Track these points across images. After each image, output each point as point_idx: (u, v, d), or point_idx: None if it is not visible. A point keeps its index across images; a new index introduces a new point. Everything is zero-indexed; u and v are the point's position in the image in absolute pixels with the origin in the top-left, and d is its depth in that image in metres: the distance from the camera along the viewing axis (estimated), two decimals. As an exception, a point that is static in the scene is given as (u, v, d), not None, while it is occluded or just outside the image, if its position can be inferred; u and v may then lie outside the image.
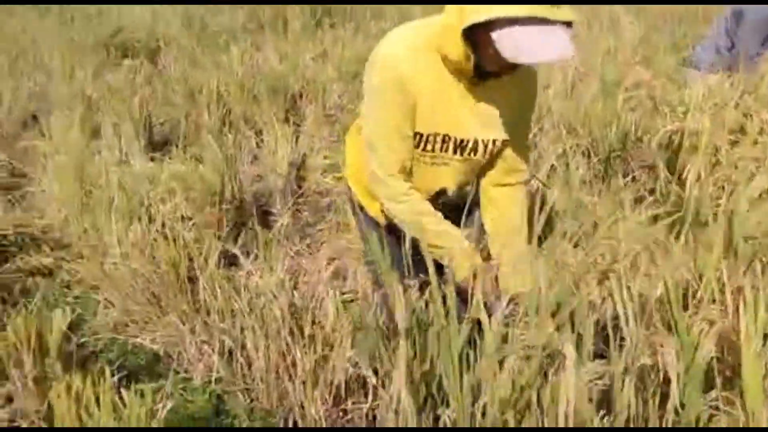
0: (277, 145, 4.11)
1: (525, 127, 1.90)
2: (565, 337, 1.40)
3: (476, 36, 1.49)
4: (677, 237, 1.95)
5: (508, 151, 1.85)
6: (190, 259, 2.71)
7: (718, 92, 2.67)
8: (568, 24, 1.42)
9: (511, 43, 1.40)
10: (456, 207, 1.86)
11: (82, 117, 4.34)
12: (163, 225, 2.79)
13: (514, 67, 1.54)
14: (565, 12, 1.39)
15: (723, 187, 2.14)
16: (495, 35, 1.41)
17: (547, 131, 3.68)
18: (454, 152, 1.76)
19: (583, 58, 5.03)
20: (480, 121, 1.73)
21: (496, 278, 1.82)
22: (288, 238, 3.32)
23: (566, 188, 2.98)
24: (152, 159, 3.95)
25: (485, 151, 1.78)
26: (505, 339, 1.50)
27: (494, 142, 1.77)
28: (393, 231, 1.93)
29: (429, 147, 1.74)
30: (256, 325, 2.33)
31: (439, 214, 1.81)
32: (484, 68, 1.59)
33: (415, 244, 1.67)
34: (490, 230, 1.95)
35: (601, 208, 2.66)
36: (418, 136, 1.73)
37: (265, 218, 3.61)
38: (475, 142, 1.75)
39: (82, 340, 2.61)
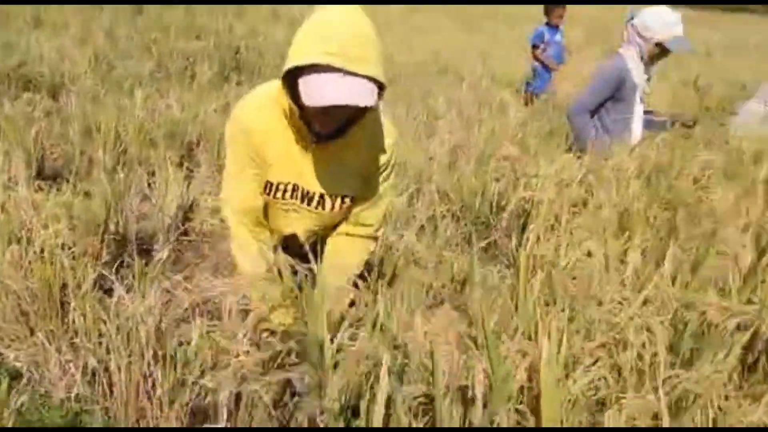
0: (167, 186, 4.21)
1: (374, 187, 1.95)
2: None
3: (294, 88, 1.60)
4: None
5: (357, 207, 1.98)
6: (65, 283, 2.79)
7: (568, 169, 3.00)
8: (378, 82, 1.54)
9: (308, 88, 1.52)
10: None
11: (-27, 143, 4.34)
12: (42, 250, 2.86)
13: (342, 126, 1.74)
14: (368, 68, 1.50)
15: (557, 249, 2.42)
16: (301, 81, 1.54)
17: (424, 195, 3.96)
18: (302, 202, 1.90)
19: (468, 137, 5.42)
20: (325, 178, 1.85)
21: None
22: (164, 273, 3.41)
23: (432, 245, 3.24)
24: (40, 189, 3.97)
25: (332, 206, 1.91)
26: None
27: (343, 198, 1.90)
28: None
29: (279, 195, 1.90)
30: (122, 347, 2.43)
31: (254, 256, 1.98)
32: (313, 127, 1.72)
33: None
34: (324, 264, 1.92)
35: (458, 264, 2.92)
36: (269, 185, 1.89)
37: (146, 254, 3.69)
38: (321, 196, 1.88)
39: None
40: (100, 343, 2.56)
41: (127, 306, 2.63)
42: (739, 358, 1.98)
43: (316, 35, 1.52)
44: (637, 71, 3.68)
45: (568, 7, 7.21)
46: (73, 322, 2.62)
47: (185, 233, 4.05)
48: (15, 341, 2.74)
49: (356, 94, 1.48)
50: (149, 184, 4.42)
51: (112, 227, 3.61)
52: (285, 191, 1.89)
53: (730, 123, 4.19)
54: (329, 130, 1.74)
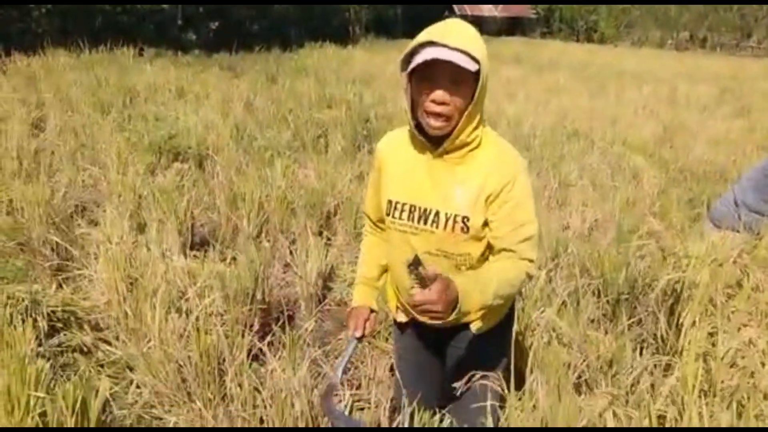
0: (308, 255, 4.38)
1: (510, 214, 1.88)
2: None
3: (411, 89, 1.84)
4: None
5: (498, 235, 1.90)
6: (221, 352, 2.95)
7: (720, 248, 2.91)
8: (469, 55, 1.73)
9: (415, 58, 1.75)
10: None
11: (132, 211, 4.71)
12: (197, 318, 3.04)
13: (445, 121, 1.81)
14: (466, 44, 1.73)
15: (713, 334, 2.34)
16: (413, 61, 1.76)
17: (562, 268, 3.93)
18: (419, 221, 1.92)
19: (603, 206, 5.36)
20: (441, 194, 1.90)
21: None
22: (310, 344, 3.53)
23: (575, 323, 3.20)
24: (194, 257, 4.24)
25: (446, 225, 1.88)
26: None
27: (456, 218, 1.88)
28: (415, 336, 2.23)
29: (397, 214, 1.95)
30: (276, 417, 2.54)
31: (371, 254, 2.23)
32: (427, 130, 1.84)
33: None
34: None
35: (605, 344, 2.87)
36: (389, 204, 1.98)
37: (290, 322, 3.84)
38: (437, 213, 1.89)
39: (119, 412, 2.80)
40: (254, 413, 2.68)
41: (280, 377, 2.76)
42: None
43: (423, 33, 1.77)
44: None
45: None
46: (230, 390, 2.77)
47: (324, 300, 4.18)
48: (174, 406, 2.91)
49: (454, 56, 1.70)
50: (291, 252, 4.61)
51: (258, 296, 3.78)
52: (402, 210, 1.94)
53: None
54: (438, 111, 1.81)
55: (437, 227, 1.89)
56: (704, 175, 6.97)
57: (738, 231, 3.34)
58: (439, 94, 1.77)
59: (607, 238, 4.29)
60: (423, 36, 1.76)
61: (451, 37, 1.73)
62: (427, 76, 1.77)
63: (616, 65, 21.36)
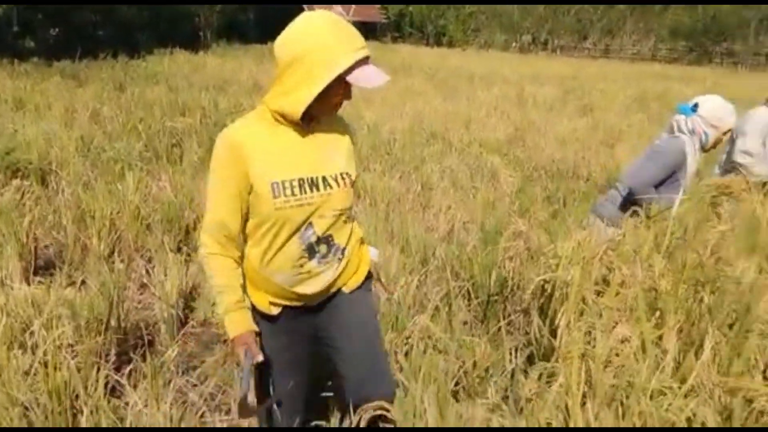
0: (166, 273, 4.11)
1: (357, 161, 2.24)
2: None
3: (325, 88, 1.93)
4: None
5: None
6: (74, 389, 2.67)
7: (587, 245, 2.95)
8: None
9: (363, 77, 1.92)
10: None
11: (-38, 235, 4.24)
12: (45, 353, 2.74)
13: (331, 110, 2.06)
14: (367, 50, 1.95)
15: (590, 332, 2.35)
16: (351, 77, 1.92)
17: (432, 272, 3.90)
18: (311, 190, 2.03)
19: (466, 207, 5.41)
20: (322, 158, 2.08)
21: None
22: (174, 371, 3.29)
23: (449, 328, 3.16)
24: (37, 283, 3.86)
25: (338, 184, 2.09)
26: None
27: (342, 175, 2.11)
28: (289, 331, 2.22)
29: (289, 192, 1.99)
30: (140, 458, 2.30)
31: (231, 276, 2.09)
32: (315, 114, 2.02)
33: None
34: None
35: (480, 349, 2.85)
36: (276, 186, 1.98)
37: (151, 348, 3.57)
38: (324, 178, 2.06)
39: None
40: (115, 454, 2.44)
41: (142, 412, 2.53)
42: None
43: (340, 39, 1.91)
44: (692, 161, 3.75)
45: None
46: (87, 432, 2.51)
47: (187, 321, 3.93)
48: (22, 456, 2.60)
49: (385, 75, 1.96)
50: (147, 271, 4.32)
51: (113, 322, 3.50)
52: (292, 187, 2.00)
53: None
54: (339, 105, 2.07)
55: (331, 188, 2.06)
56: (558, 172, 7.22)
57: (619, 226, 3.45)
58: (351, 94, 2.03)
59: (473, 240, 4.30)
60: (356, 51, 1.92)
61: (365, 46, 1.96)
62: (347, 91, 2.00)
63: (466, 68, 22.02)
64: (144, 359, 3.21)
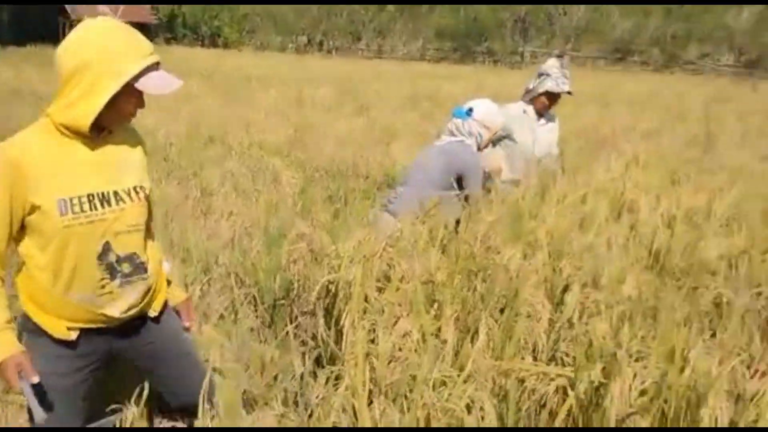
0: None
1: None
2: None
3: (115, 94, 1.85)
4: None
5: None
6: None
7: (367, 244, 3.01)
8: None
9: (155, 82, 1.89)
10: None
11: None
12: None
13: (122, 120, 1.98)
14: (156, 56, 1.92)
15: (373, 330, 2.39)
16: (140, 84, 1.87)
17: (215, 281, 3.79)
18: (102, 206, 1.94)
19: (249, 211, 5.33)
20: (113, 172, 2.00)
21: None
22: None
23: (235, 337, 3.09)
24: None
25: (131, 199, 2.02)
26: None
27: (135, 189, 2.04)
28: (85, 354, 2.08)
29: (78, 209, 1.89)
30: None
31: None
32: (107, 124, 1.95)
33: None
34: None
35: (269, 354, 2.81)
36: (63, 204, 1.87)
37: None
38: (116, 193, 1.99)
39: None
40: None
41: None
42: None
43: (127, 45, 1.86)
44: None
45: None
46: None
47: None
48: None
49: (177, 80, 1.95)
50: None
51: None
52: (81, 203, 1.90)
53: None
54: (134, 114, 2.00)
55: (124, 203, 1.99)
56: (338, 171, 7.33)
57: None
58: (144, 101, 1.97)
59: (257, 245, 4.23)
60: (141, 56, 1.88)
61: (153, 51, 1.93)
62: (139, 99, 1.95)
63: (243, 70, 21.76)
64: None
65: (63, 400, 2.05)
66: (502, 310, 2.65)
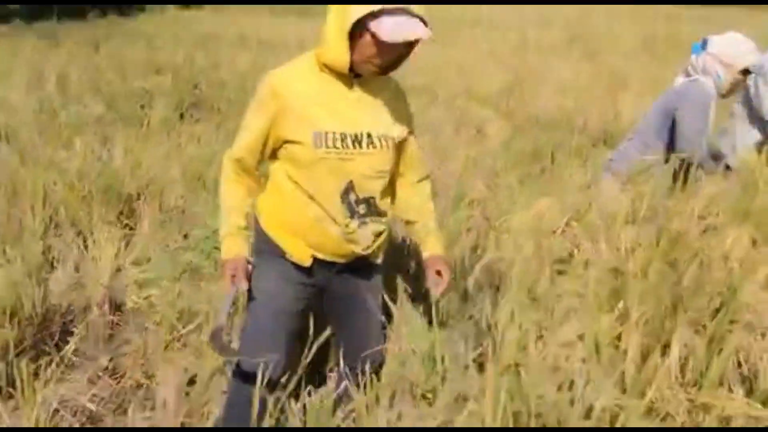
0: (100, 250, 3.71)
1: (411, 133, 2.22)
2: None
3: (354, 35, 1.87)
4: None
5: (408, 154, 2.23)
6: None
7: (547, 216, 2.49)
8: (423, 21, 1.85)
9: (386, 27, 1.80)
10: None
11: None
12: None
13: (383, 71, 2.00)
14: (419, 11, 1.85)
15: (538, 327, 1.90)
16: (373, 24, 1.81)
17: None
18: (353, 146, 2.00)
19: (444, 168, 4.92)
20: (367, 116, 2.03)
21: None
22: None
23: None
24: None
25: (381, 144, 2.05)
26: None
27: (386, 137, 2.06)
28: (306, 284, 2.18)
29: (330, 143, 1.97)
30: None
31: (240, 200, 2.15)
32: (358, 70, 1.96)
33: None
34: (411, 216, 2.33)
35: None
36: (318, 137, 1.97)
37: (66, 337, 3.18)
38: (369, 135, 2.02)
39: None
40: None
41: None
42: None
43: None
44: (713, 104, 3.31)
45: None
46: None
47: (119, 308, 3.50)
48: None
49: (424, 30, 1.83)
50: (80, 248, 3.88)
51: (28, 308, 3.10)
52: (334, 140, 1.98)
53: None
54: (385, 68, 2.00)
55: (374, 147, 2.03)
56: (550, 123, 6.68)
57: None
58: (390, 63, 1.99)
59: (443, 204, 3.82)
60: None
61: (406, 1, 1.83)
62: (388, 48, 1.88)
63: (462, 12, 21.00)
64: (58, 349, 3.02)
65: (276, 318, 2.15)
66: (712, 316, 2.02)
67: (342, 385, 2.13)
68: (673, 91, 3.39)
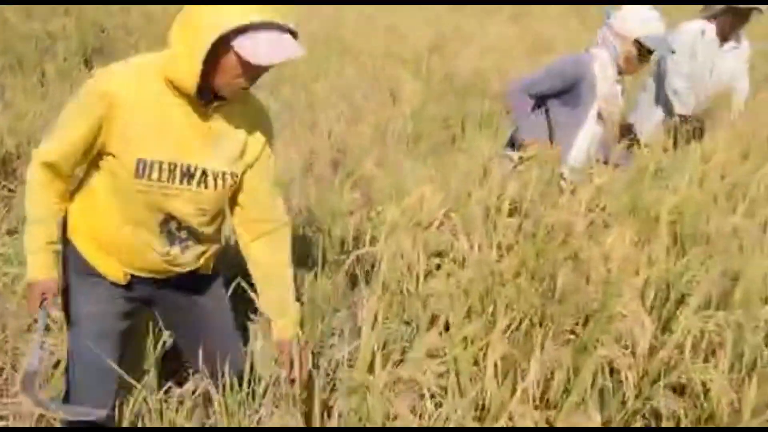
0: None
1: (269, 171, 1.90)
2: None
3: (215, 52, 1.55)
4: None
5: (256, 193, 1.89)
6: None
7: (428, 200, 2.33)
8: (293, 33, 1.59)
9: (256, 47, 1.53)
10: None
11: None
12: None
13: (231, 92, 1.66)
14: (286, 17, 1.57)
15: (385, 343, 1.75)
16: (236, 42, 1.53)
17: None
18: (181, 181, 1.72)
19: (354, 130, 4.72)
20: (207, 151, 1.73)
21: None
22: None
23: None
24: None
25: (216, 184, 1.77)
26: None
27: (224, 175, 1.77)
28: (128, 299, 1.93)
29: (155, 175, 1.69)
30: None
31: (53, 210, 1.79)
32: (217, 90, 1.65)
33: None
34: (259, 282, 1.98)
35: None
36: (142, 164, 1.67)
37: None
38: (204, 172, 1.74)
39: None
40: None
41: None
42: None
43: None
44: (602, 79, 3.07)
45: None
46: None
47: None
48: None
49: (298, 48, 1.57)
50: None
51: None
52: (160, 171, 1.69)
53: None
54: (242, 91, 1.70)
55: (206, 187, 1.76)
56: (464, 88, 6.51)
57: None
58: (248, 85, 1.67)
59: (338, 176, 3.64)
60: (247, 11, 1.52)
61: (278, 12, 1.56)
62: (252, 70, 1.61)
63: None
64: None
65: (100, 342, 1.87)
66: (584, 324, 1.91)
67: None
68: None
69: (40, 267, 1.78)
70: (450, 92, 6.32)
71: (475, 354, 1.76)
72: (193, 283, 1.99)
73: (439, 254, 2.25)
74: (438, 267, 2.23)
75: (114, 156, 1.69)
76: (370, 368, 1.64)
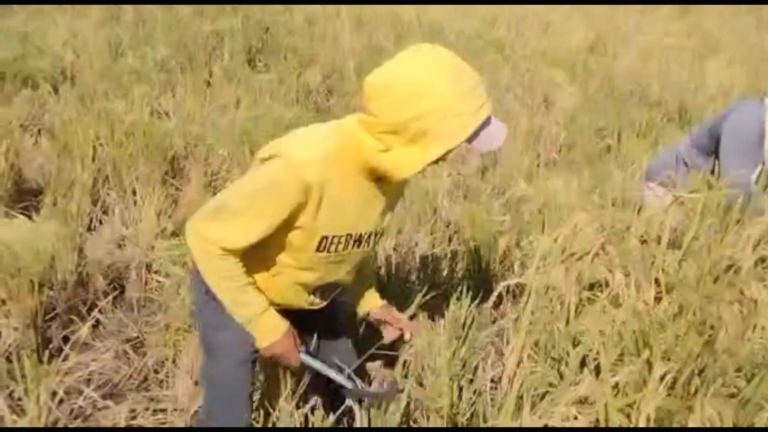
0: (141, 210, 3.68)
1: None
2: None
3: None
4: None
5: None
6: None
7: (582, 230, 2.26)
8: None
9: (486, 141, 1.53)
10: None
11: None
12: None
13: None
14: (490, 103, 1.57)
15: (529, 391, 1.72)
16: (476, 143, 1.54)
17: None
18: (354, 245, 1.80)
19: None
20: (378, 215, 1.81)
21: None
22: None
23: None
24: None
25: (373, 240, 1.87)
26: None
27: (378, 233, 1.87)
28: None
29: (333, 248, 1.75)
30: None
31: (245, 281, 1.75)
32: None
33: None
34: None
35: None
36: (324, 240, 1.72)
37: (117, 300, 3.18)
38: (369, 234, 1.82)
39: None
40: None
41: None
42: None
43: (465, 95, 1.50)
44: None
45: None
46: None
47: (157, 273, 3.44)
48: None
49: (505, 131, 1.60)
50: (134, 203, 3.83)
51: (65, 269, 3.07)
52: (340, 243, 1.76)
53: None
54: None
55: (368, 246, 1.86)
56: (622, 95, 6.26)
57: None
58: None
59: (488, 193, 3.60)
60: (479, 109, 1.52)
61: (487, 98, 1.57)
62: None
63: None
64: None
65: (239, 369, 1.94)
66: (748, 379, 1.79)
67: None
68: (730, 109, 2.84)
69: (277, 322, 1.82)
70: (607, 98, 6.09)
71: (628, 403, 1.70)
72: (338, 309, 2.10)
73: (591, 287, 2.18)
74: (589, 300, 2.16)
75: (298, 228, 1.69)
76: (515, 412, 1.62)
